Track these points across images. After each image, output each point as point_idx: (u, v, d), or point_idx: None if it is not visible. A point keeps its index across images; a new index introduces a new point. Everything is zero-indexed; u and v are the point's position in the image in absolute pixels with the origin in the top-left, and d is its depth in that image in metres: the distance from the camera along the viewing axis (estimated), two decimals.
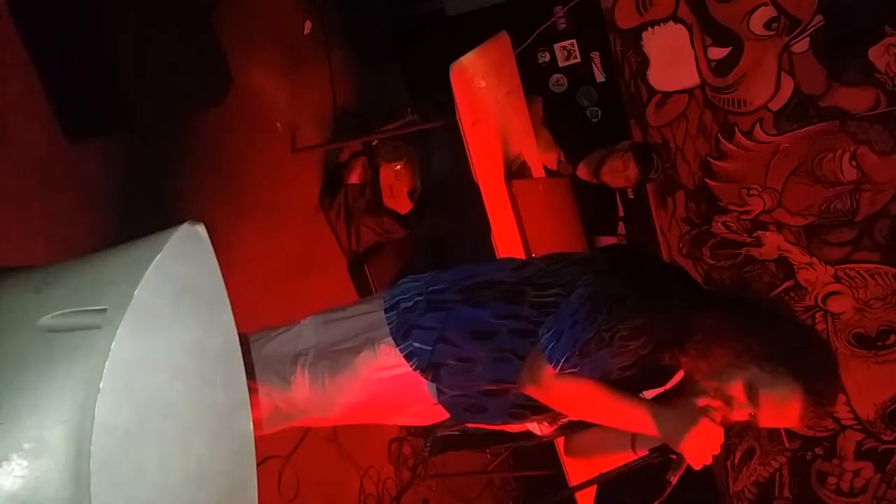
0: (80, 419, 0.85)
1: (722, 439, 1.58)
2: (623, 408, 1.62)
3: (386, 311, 1.81)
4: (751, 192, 4.10)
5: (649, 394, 1.76)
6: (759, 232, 4.12)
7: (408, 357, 1.76)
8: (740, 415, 1.61)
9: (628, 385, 1.66)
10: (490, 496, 4.17)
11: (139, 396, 0.89)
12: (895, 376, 4.07)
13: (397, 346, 1.76)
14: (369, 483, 3.35)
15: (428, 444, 3.58)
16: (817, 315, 4.10)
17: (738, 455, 4.39)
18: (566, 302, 1.65)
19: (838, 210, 4.00)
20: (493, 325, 1.73)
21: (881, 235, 3.96)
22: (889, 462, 4.17)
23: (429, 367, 1.76)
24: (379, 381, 1.78)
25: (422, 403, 1.84)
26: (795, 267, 4.11)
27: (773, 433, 4.30)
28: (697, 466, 1.60)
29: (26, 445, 0.84)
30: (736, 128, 4.05)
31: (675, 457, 1.63)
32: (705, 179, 4.15)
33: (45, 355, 0.89)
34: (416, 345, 1.75)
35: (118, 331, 0.87)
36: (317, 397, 1.80)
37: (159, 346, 0.93)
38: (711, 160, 4.12)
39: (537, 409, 1.76)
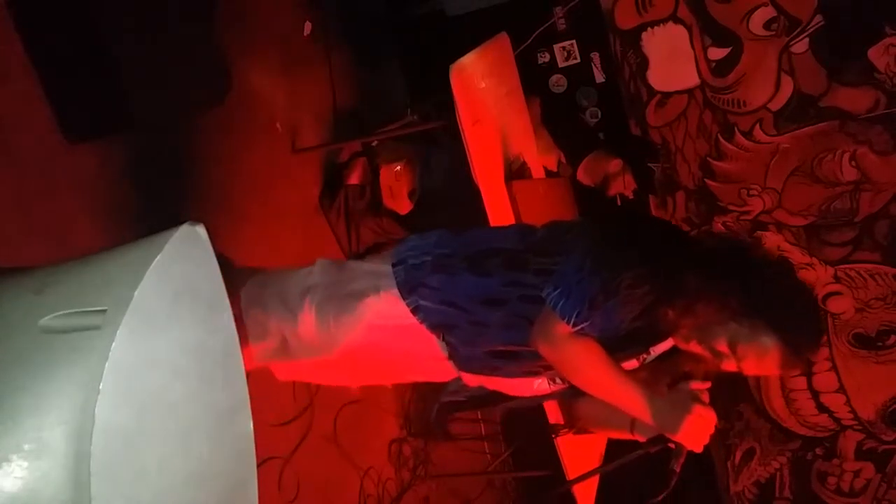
0: (80, 420, 0.85)
1: (715, 420, 1.67)
2: (623, 387, 1.69)
3: (393, 265, 1.88)
4: (751, 192, 4.10)
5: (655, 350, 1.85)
6: (759, 232, 4.12)
7: (414, 312, 1.83)
8: (729, 366, 1.70)
9: (637, 341, 1.75)
10: (490, 497, 4.17)
11: (139, 397, 0.90)
12: (895, 376, 4.07)
13: (403, 299, 1.83)
14: (369, 484, 3.35)
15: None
16: None
17: (738, 455, 4.39)
18: (567, 261, 1.71)
19: (838, 210, 4.00)
20: (503, 293, 1.79)
21: (881, 236, 3.96)
22: (889, 462, 4.17)
23: (440, 327, 1.84)
24: (382, 328, 1.85)
25: (431, 359, 1.90)
26: (795, 267, 4.11)
27: (773, 434, 4.31)
28: (698, 450, 1.68)
29: (26, 446, 0.84)
30: (736, 128, 4.05)
31: (673, 445, 1.70)
32: (705, 180, 4.15)
33: (45, 356, 0.89)
34: (422, 302, 1.82)
35: (118, 331, 0.88)
36: (321, 335, 1.87)
37: (159, 346, 0.93)
38: (711, 160, 4.12)
39: (551, 366, 1.81)
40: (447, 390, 2.08)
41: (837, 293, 4.07)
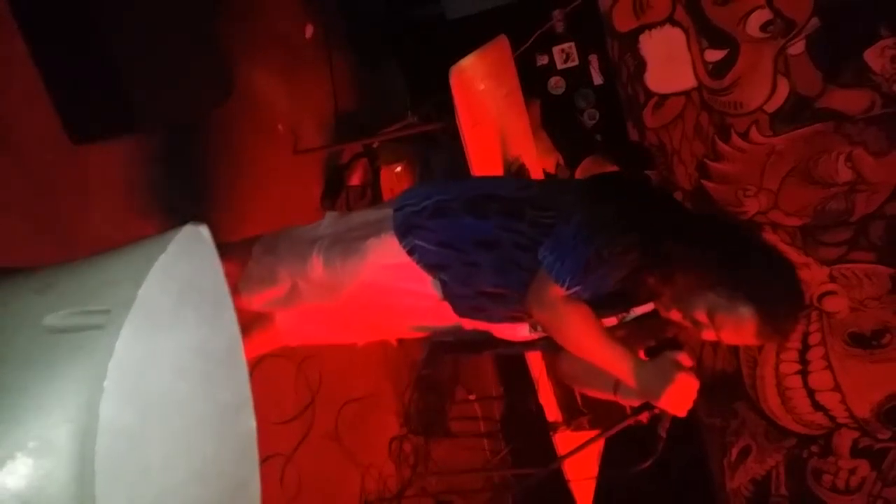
0: (84, 419, 0.85)
1: (697, 386, 1.74)
2: (611, 352, 1.75)
3: (394, 210, 1.99)
4: (747, 193, 4.11)
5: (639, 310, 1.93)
6: None
7: (410, 252, 1.92)
8: (708, 335, 1.76)
9: (618, 301, 1.83)
10: (490, 494, 4.19)
11: (143, 396, 0.90)
12: (890, 375, 4.07)
13: (400, 241, 1.93)
14: (370, 481, 3.36)
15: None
16: (812, 315, 4.11)
17: (734, 453, 4.40)
18: (564, 227, 1.77)
19: (834, 211, 4.01)
20: (498, 236, 1.87)
21: (876, 236, 3.97)
22: (884, 460, 4.18)
23: (434, 267, 1.92)
24: (385, 267, 1.95)
25: (431, 300, 1.97)
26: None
27: (769, 431, 4.32)
28: (682, 415, 1.75)
29: (30, 444, 0.84)
30: (732, 129, 4.07)
31: (658, 411, 1.79)
32: (702, 181, 4.16)
33: (49, 355, 0.89)
34: (418, 242, 1.92)
35: (121, 331, 0.88)
36: (329, 277, 1.99)
37: (163, 345, 0.93)
38: (708, 162, 4.13)
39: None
40: (439, 332, 2.14)
41: (832, 293, 4.09)
